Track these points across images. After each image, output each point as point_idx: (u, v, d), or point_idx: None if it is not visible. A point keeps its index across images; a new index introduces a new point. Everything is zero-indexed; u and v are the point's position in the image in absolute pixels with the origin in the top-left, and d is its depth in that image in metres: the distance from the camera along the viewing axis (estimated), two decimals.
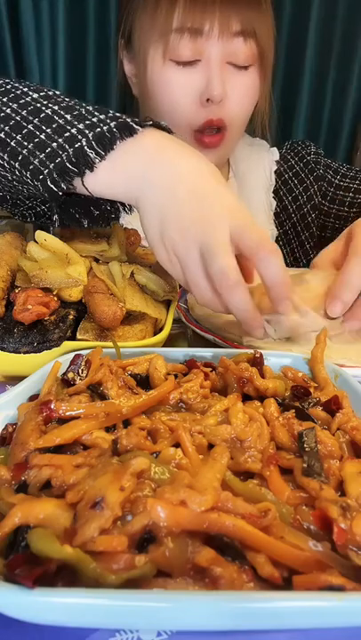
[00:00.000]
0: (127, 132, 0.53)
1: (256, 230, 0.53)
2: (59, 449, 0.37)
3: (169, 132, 0.58)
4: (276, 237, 1.07)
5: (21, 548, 0.29)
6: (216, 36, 0.81)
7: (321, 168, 1.08)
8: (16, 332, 0.57)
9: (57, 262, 0.60)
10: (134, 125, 0.54)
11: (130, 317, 0.63)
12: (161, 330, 0.64)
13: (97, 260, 0.66)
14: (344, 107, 2.34)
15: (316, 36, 2.19)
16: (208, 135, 0.88)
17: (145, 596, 0.26)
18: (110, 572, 0.27)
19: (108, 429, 0.39)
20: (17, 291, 0.59)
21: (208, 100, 0.83)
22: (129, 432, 0.38)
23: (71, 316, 0.60)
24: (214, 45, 0.82)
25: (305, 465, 0.36)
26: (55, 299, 0.59)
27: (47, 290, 0.59)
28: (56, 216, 0.62)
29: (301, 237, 1.08)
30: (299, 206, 1.06)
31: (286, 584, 0.28)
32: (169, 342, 0.72)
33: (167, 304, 0.70)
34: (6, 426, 0.42)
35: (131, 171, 0.54)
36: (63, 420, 0.39)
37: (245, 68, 0.86)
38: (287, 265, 0.92)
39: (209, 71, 0.83)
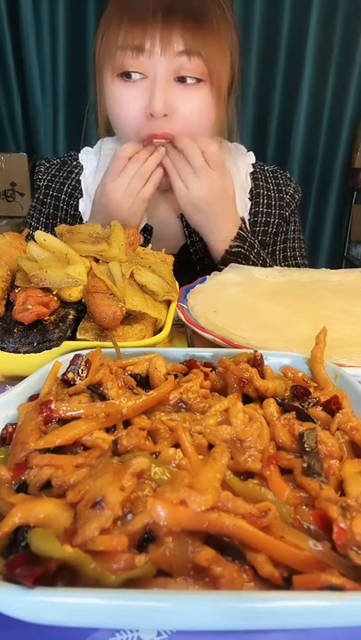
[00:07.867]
0: None
1: None
2: (59, 449, 0.37)
3: None
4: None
5: (21, 548, 0.29)
6: (158, 54, 0.83)
7: (290, 191, 1.13)
8: (16, 332, 0.57)
9: (57, 262, 0.60)
10: None
11: (130, 317, 0.63)
12: (161, 330, 0.64)
13: (97, 260, 0.66)
14: (344, 107, 2.35)
15: (316, 35, 2.20)
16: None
17: (145, 595, 0.26)
18: (110, 571, 0.27)
19: (108, 430, 0.39)
20: (17, 291, 0.59)
21: (152, 114, 0.86)
22: (129, 432, 0.38)
23: (71, 316, 0.60)
24: (158, 62, 0.84)
25: (305, 465, 0.36)
26: (55, 299, 0.59)
27: (47, 290, 0.59)
28: None
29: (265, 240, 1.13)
30: (268, 213, 1.12)
31: (286, 584, 0.28)
32: (169, 342, 0.72)
33: (167, 304, 0.70)
34: (6, 426, 0.42)
35: None
36: (63, 421, 0.39)
37: (194, 84, 0.87)
38: (248, 264, 0.97)
39: (153, 88, 0.85)
